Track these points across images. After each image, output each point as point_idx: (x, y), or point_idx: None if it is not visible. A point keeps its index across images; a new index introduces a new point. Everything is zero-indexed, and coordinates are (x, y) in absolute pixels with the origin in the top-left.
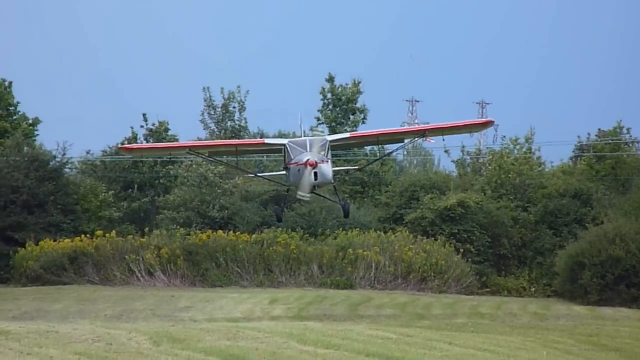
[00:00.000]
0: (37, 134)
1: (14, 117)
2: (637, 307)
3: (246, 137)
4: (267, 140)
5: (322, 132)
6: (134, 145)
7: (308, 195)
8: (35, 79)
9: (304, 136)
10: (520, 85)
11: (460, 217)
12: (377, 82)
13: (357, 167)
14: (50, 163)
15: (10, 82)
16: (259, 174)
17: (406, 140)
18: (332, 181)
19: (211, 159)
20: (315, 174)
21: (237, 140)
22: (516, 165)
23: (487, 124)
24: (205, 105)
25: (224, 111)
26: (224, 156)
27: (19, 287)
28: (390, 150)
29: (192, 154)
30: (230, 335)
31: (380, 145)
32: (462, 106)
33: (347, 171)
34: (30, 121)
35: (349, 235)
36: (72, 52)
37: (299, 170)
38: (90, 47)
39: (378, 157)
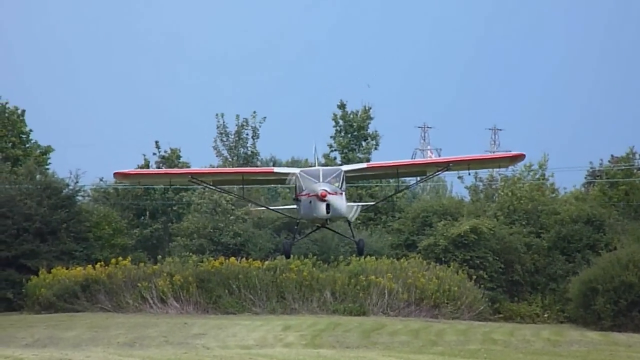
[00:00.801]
0: (50, 162)
1: (27, 145)
2: None
3: (259, 163)
4: (276, 169)
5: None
6: (131, 171)
7: (355, 211)
8: (48, 107)
9: (318, 165)
10: (533, 111)
11: (473, 243)
12: (388, 109)
13: (373, 203)
14: (63, 191)
15: (23, 111)
16: (270, 207)
17: (429, 173)
18: (346, 215)
19: (216, 188)
20: (328, 206)
21: (244, 168)
22: (529, 192)
23: (518, 158)
24: (218, 132)
25: (236, 138)
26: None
27: (32, 314)
28: (410, 184)
29: (194, 183)
30: None
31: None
32: (474, 132)
33: (363, 207)
34: (43, 149)
35: (361, 262)
36: (85, 80)
37: (310, 202)
38: (102, 76)
39: (395, 192)
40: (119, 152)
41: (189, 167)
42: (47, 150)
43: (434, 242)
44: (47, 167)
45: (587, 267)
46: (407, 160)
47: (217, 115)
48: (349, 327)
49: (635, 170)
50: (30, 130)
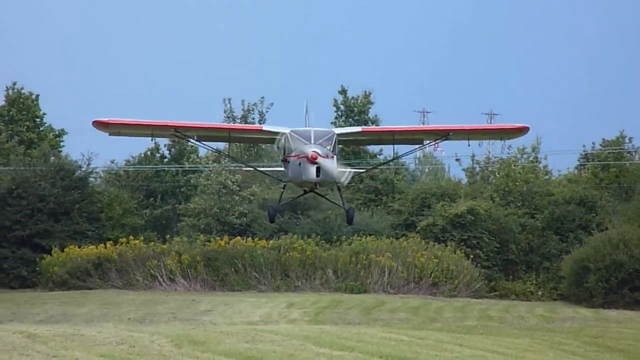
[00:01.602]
0: (63, 145)
1: (41, 129)
2: None
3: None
4: (265, 127)
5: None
6: (110, 120)
7: (347, 176)
8: (61, 91)
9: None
10: (527, 96)
11: (470, 224)
12: (388, 93)
13: (364, 169)
14: (76, 173)
15: (37, 95)
16: (256, 167)
17: (426, 142)
18: (337, 180)
19: (201, 144)
20: (318, 169)
21: (231, 124)
22: (523, 174)
23: (522, 131)
24: (225, 117)
25: (243, 122)
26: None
27: (46, 291)
28: (406, 152)
29: (177, 136)
30: (249, 338)
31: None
32: (472, 117)
33: (356, 174)
34: (57, 132)
35: (363, 242)
36: (97, 65)
37: (299, 164)
38: (115, 60)
39: (388, 160)
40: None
41: (197, 152)
42: (61, 134)
43: (433, 222)
44: (60, 149)
45: (579, 246)
46: (405, 127)
47: (224, 100)
48: (350, 304)
49: (625, 154)
50: (44, 114)
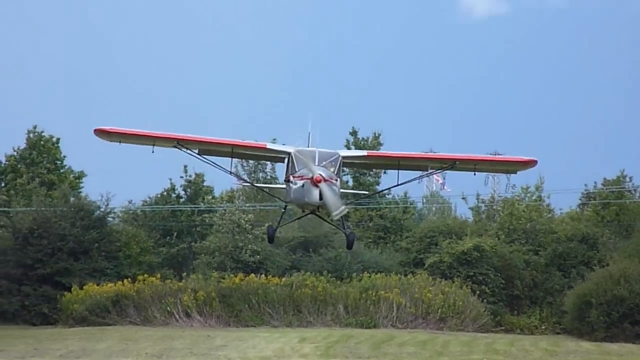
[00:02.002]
0: (83, 186)
1: (61, 171)
2: None
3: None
4: (269, 146)
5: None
6: (113, 129)
7: (342, 208)
8: (81, 135)
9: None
10: (529, 136)
11: (476, 260)
12: (397, 135)
13: (366, 192)
14: (95, 213)
15: (58, 139)
16: (256, 184)
17: (431, 169)
18: (339, 206)
19: (203, 159)
20: (321, 192)
21: (234, 140)
22: (527, 212)
23: (529, 164)
24: (239, 159)
25: (256, 163)
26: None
27: (66, 328)
28: (411, 179)
29: (179, 148)
30: None
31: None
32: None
33: (355, 196)
34: (76, 174)
35: (372, 278)
36: (116, 110)
37: (302, 185)
38: (132, 106)
39: (395, 185)
40: (149, 175)
41: (212, 191)
42: (80, 175)
43: (440, 259)
44: (80, 190)
45: (581, 282)
46: (410, 153)
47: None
48: (360, 338)
49: (625, 192)
50: (64, 157)
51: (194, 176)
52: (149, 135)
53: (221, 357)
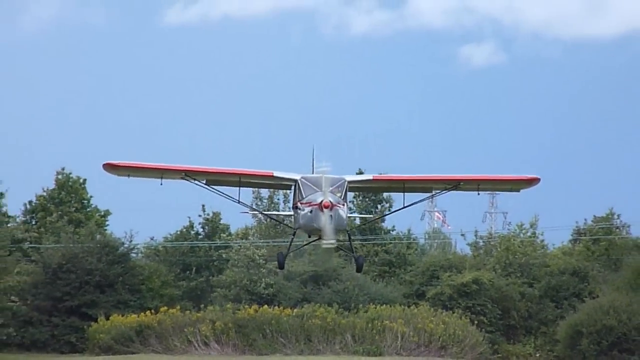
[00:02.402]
0: (108, 224)
1: (88, 210)
2: None
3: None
4: (276, 174)
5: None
6: (121, 162)
7: (333, 241)
8: (107, 175)
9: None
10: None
11: (475, 292)
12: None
13: (372, 217)
14: (119, 249)
15: (85, 180)
16: (264, 212)
17: (435, 191)
18: (346, 228)
19: (210, 188)
20: (330, 218)
21: (241, 169)
22: (522, 247)
23: (532, 182)
24: (253, 197)
25: (269, 202)
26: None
27: (93, 356)
28: (416, 201)
29: (187, 180)
30: None
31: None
32: (474, 197)
33: (362, 220)
34: (102, 213)
35: (377, 310)
36: (138, 151)
37: (311, 211)
38: (154, 149)
39: (402, 207)
40: (169, 214)
41: (228, 228)
42: (106, 214)
43: (441, 291)
44: (105, 228)
45: (573, 312)
46: (415, 176)
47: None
48: None
49: (614, 229)
50: (91, 197)
51: (211, 214)
52: (156, 168)
53: None
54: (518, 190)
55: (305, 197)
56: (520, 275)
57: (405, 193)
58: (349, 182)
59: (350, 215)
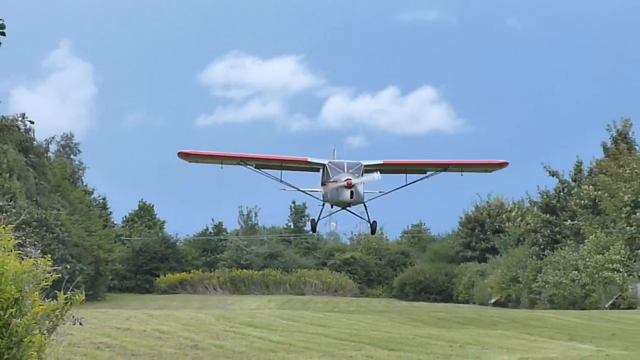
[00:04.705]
0: (165, 225)
1: (154, 220)
2: None
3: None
4: (309, 159)
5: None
6: (191, 151)
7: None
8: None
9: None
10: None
11: (352, 262)
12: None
13: (383, 192)
14: (170, 240)
15: (153, 205)
16: (300, 189)
17: (428, 172)
18: (364, 200)
19: (258, 171)
20: (352, 192)
21: (281, 156)
22: (375, 241)
23: (502, 165)
24: (290, 207)
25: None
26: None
27: (158, 294)
28: (414, 180)
29: (242, 165)
30: None
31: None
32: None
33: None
34: (162, 221)
35: (302, 272)
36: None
37: (337, 188)
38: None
39: (402, 185)
40: (220, 210)
41: (267, 229)
42: (163, 222)
43: (334, 262)
44: (163, 228)
45: (402, 273)
46: (413, 160)
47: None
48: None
49: (423, 231)
50: (156, 214)
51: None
52: (217, 155)
53: (231, 309)
54: (491, 171)
55: (332, 177)
56: (375, 254)
57: (407, 174)
58: (365, 165)
59: (366, 191)
